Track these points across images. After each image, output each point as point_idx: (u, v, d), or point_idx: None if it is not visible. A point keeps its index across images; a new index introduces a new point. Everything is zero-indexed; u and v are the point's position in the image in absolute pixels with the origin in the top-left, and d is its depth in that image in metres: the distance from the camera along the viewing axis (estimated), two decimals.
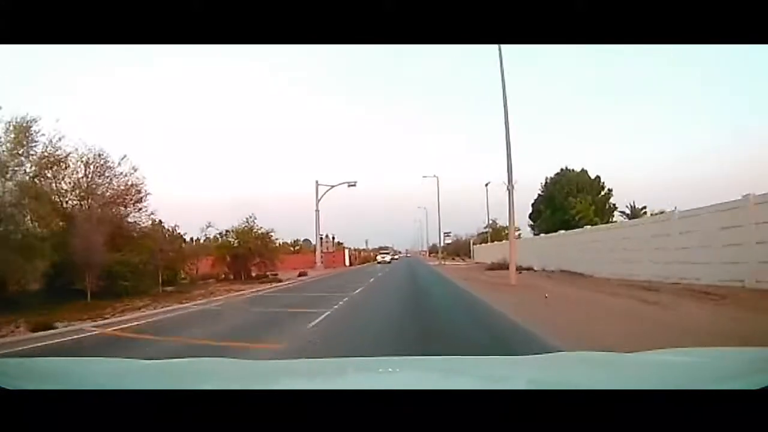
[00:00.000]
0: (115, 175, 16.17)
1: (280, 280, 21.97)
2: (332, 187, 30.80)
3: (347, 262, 45.73)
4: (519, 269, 23.70)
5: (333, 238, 36.94)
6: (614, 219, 32.60)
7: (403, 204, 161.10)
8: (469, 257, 50.00)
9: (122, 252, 14.28)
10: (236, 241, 24.02)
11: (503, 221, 49.80)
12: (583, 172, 32.31)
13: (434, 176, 43.43)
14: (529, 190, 34.34)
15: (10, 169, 11.94)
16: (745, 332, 5.81)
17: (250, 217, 24.59)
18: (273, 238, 25.53)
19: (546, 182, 34.09)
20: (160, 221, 19.74)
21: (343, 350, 5.82)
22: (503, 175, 15.20)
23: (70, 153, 14.36)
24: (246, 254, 23.75)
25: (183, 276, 20.62)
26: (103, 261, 12.83)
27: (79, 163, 15.17)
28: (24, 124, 12.51)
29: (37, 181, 13.29)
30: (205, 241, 24.89)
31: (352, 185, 30.90)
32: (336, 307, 10.52)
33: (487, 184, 40.24)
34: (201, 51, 57.38)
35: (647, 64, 55.95)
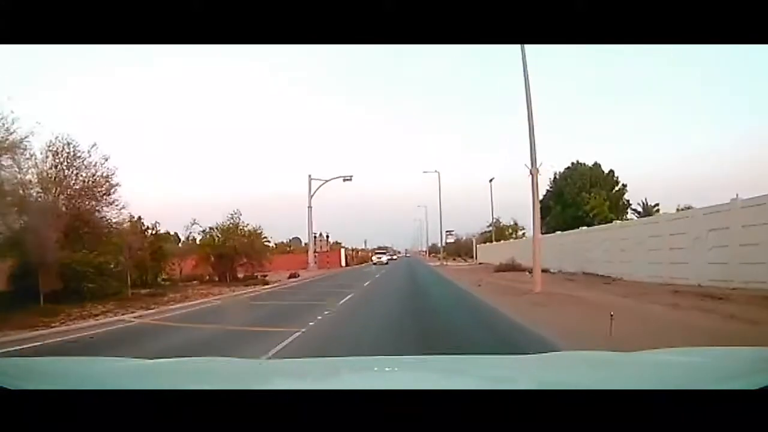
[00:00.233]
0: (84, 166, 14.65)
1: (267, 283, 20.14)
2: (326, 181, 28.74)
3: (343, 263, 43.46)
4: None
5: (327, 236, 34.63)
6: (628, 216, 30.62)
7: (402, 204, 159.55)
8: (472, 257, 47.59)
9: (89, 250, 12.76)
10: (220, 240, 21.88)
11: (506, 220, 48.14)
12: (596, 166, 30.19)
13: (435, 171, 41.22)
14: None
15: None
16: None
17: (235, 213, 22.40)
18: (261, 235, 23.34)
19: (555, 177, 31.92)
20: (139, 217, 18.50)
21: None
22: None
23: (26, 137, 12.66)
24: (231, 254, 21.63)
25: (165, 277, 19.46)
26: (61, 260, 11.38)
27: (47, 153, 13.89)
28: None
29: None
30: (191, 240, 23.13)
31: (347, 179, 28.88)
32: (312, 324, 8.10)
33: (491, 180, 38.40)
34: (201, 51, 56.44)
35: (647, 64, 55.14)
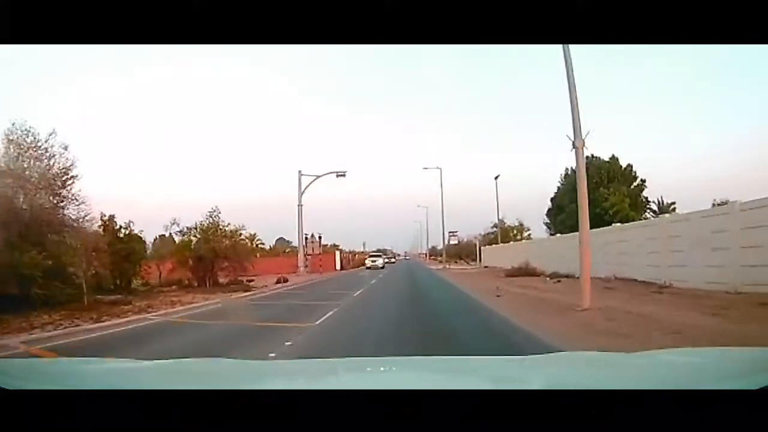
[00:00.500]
0: (44, 156, 12.73)
1: (249, 289, 17.82)
2: (317, 177, 26.13)
3: (338, 266, 40.78)
4: (554, 276, 19.18)
5: (320, 237, 31.97)
6: (646, 215, 28.18)
7: (402, 207, 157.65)
8: (474, 260, 44.98)
9: (38, 252, 10.99)
10: (200, 241, 19.36)
11: (511, 220, 45.65)
12: (614, 159, 27.69)
13: (437, 167, 38.61)
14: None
15: None
16: None
17: (213, 210, 19.89)
18: (242, 236, 20.82)
19: (567, 173, 29.44)
20: (111, 216, 16.42)
21: None
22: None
23: None
24: (211, 256, 19.12)
25: (143, 282, 17.70)
26: (10, 263, 10.21)
27: (5, 141, 12.43)
28: None
29: None
30: (176, 241, 20.71)
31: (341, 175, 26.31)
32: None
33: (496, 177, 36.04)
34: (200, 51, 55.60)
35: (647, 64, 54.35)
